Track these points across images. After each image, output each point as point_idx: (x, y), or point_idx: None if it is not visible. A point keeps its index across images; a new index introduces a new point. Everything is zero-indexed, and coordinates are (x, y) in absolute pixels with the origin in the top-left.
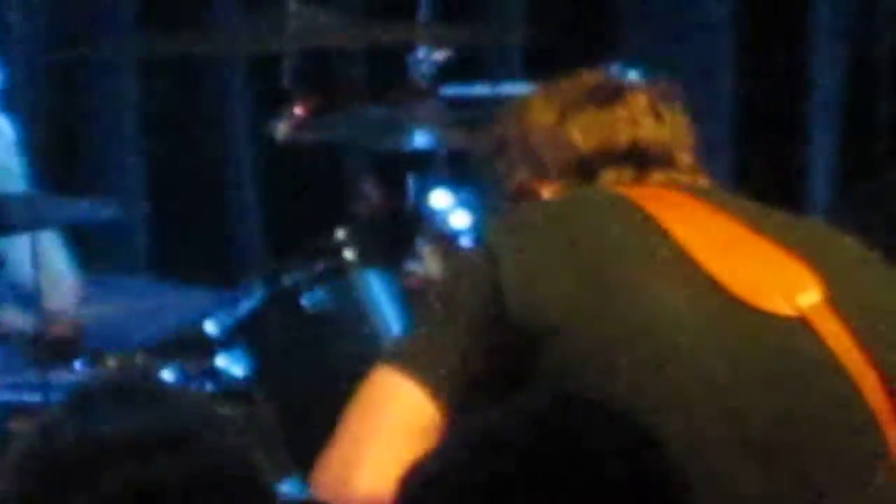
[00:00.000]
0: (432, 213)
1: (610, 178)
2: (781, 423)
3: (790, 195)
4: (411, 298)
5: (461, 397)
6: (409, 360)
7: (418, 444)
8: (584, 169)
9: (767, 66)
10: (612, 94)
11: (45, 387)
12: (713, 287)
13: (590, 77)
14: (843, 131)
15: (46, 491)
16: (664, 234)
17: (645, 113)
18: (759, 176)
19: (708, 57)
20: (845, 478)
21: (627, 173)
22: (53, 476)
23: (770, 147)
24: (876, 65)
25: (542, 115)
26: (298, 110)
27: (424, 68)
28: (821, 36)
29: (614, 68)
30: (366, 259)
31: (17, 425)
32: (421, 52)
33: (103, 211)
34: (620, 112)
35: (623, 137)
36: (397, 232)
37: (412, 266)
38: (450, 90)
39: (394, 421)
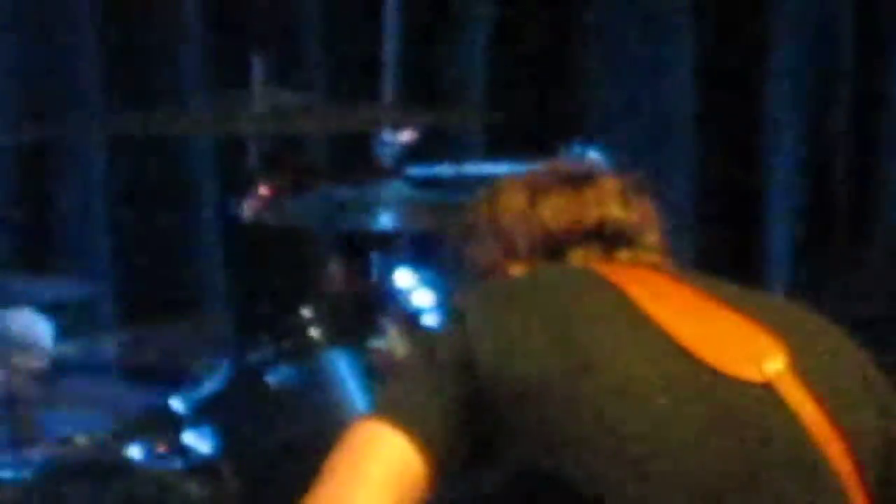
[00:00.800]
0: (396, 292)
1: (577, 257)
2: (748, 487)
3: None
4: (376, 375)
5: (445, 455)
6: (394, 411)
7: (405, 495)
8: (553, 248)
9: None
10: (582, 178)
11: (16, 464)
12: (681, 353)
13: (561, 163)
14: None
15: None
16: (631, 304)
17: (613, 196)
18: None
19: (669, 140)
20: None
21: (594, 252)
22: None
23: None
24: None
25: (514, 198)
26: (264, 190)
27: (389, 149)
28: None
29: (575, 148)
30: (331, 337)
31: None
32: (386, 134)
33: (71, 290)
34: (590, 194)
35: (591, 217)
36: (362, 310)
37: (377, 344)
38: (414, 170)
39: (379, 470)
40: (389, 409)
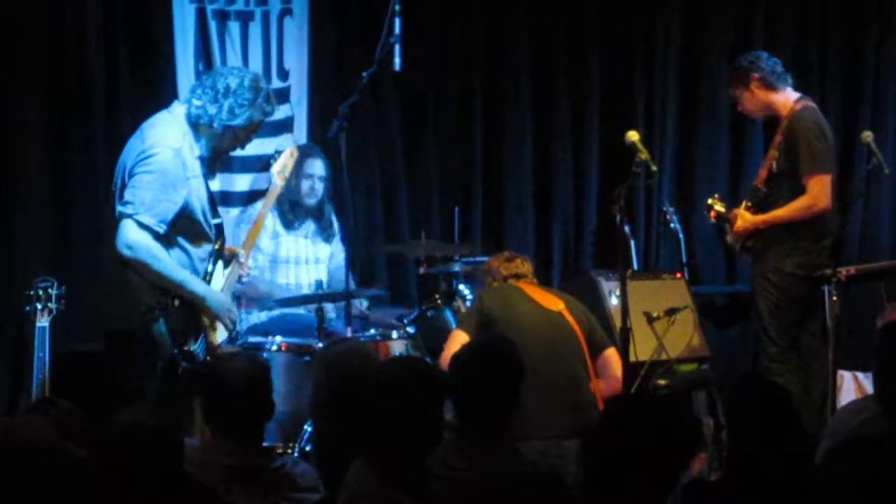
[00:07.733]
0: (461, 292)
1: (512, 281)
2: (558, 350)
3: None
4: (458, 315)
5: (475, 335)
6: (460, 325)
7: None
8: (504, 279)
9: None
10: (512, 258)
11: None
12: (538, 305)
13: (507, 254)
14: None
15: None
16: (526, 293)
17: (520, 263)
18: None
19: None
20: (581, 375)
21: (514, 280)
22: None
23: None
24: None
25: (493, 264)
26: None
27: None
28: None
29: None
30: (444, 302)
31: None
32: None
33: None
34: (515, 263)
35: (514, 271)
36: (453, 295)
37: (456, 305)
38: None
39: (457, 344)
40: (459, 325)
